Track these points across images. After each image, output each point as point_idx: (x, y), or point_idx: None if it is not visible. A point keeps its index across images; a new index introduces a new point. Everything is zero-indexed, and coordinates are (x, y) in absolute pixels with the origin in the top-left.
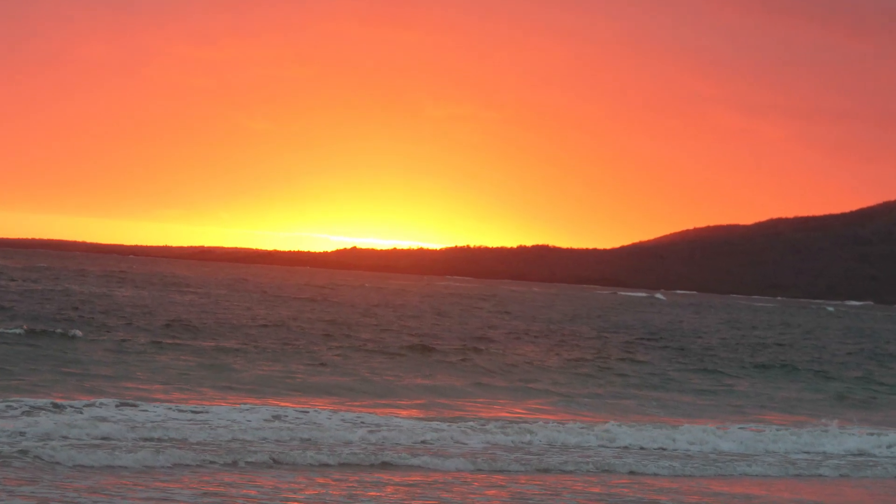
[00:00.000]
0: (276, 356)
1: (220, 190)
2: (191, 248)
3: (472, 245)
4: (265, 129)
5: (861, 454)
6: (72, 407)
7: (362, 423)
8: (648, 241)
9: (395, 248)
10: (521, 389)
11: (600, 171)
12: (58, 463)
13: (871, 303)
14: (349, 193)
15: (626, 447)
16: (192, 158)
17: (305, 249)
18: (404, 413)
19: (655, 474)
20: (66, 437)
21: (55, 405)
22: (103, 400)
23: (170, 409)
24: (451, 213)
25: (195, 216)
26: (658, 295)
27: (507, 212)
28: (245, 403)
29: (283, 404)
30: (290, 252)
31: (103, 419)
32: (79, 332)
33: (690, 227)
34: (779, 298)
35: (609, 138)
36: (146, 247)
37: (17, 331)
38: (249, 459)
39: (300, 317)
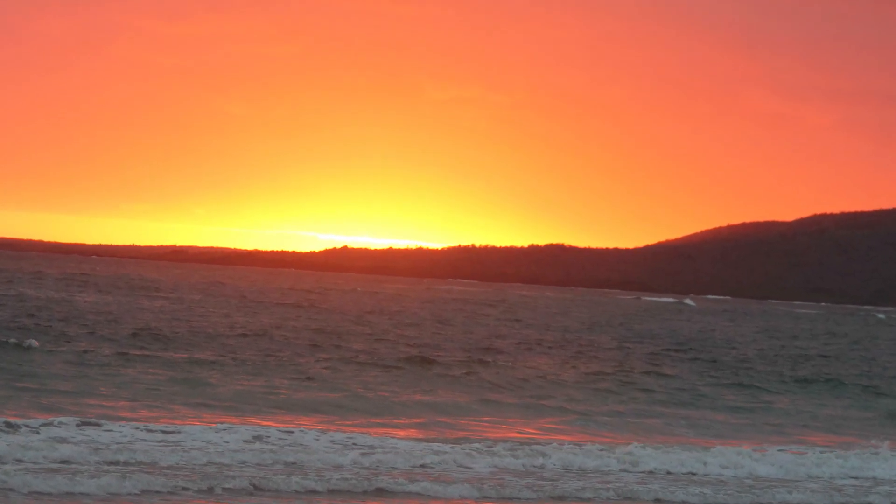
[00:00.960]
0: (257, 369)
1: (195, 182)
2: (161, 247)
3: (477, 244)
4: (244, 114)
5: None
6: (27, 426)
7: (354, 444)
8: (676, 240)
9: (390, 248)
10: (532, 407)
11: (622, 162)
12: (11, 490)
13: None
14: (339, 186)
15: (650, 472)
16: (162, 147)
17: (290, 249)
18: (401, 433)
19: (684, 502)
20: (20, 461)
21: (8, 424)
22: (62, 419)
23: (137, 428)
24: (455, 209)
25: (166, 212)
26: (687, 300)
27: (517, 207)
28: (222, 422)
29: (264, 423)
30: (272, 252)
31: (62, 440)
32: (35, 343)
33: (723, 223)
34: (823, 304)
35: (632, 124)
36: (111, 246)
37: None
38: (227, 486)
39: (284, 325)
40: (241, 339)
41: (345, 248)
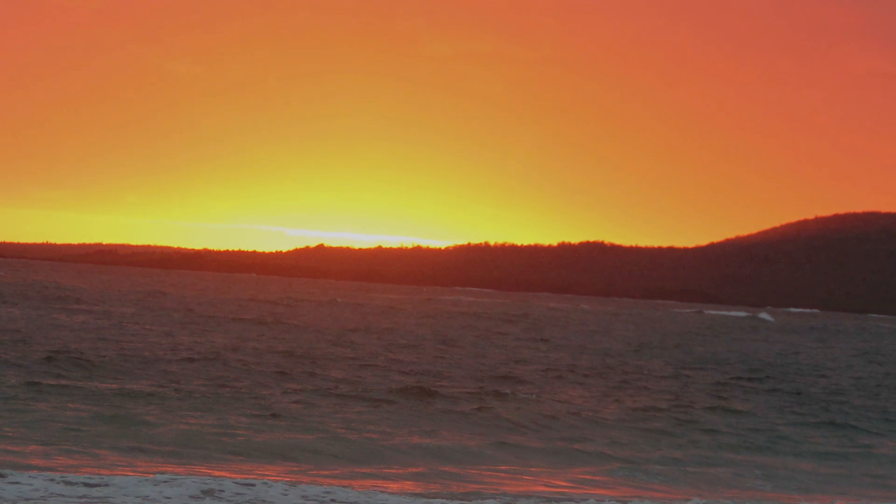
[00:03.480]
0: (208, 403)
1: (127, 162)
2: (84, 246)
3: (492, 242)
4: (193, 76)
5: None
6: None
7: (333, 501)
8: (749, 238)
9: (380, 247)
10: (563, 452)
11: (679, 136)
12: None
13: None
14: (314, 169)
15: None
16: (85, 117)
17: (250, 248)
18: (394, 486)
19: None
20: None
21: None
22: None
23: (52, 480)
24: (462, 198)
25: (90, 200)
26: (763, 315)
27: (543, 196)
28: (162, 472)
29: (217, 473)
30: (227, 252)
31: None
32: None
33: (810, 216)
34: None
35: (692, 88)
36: (17, 244)
37: None
38: None
39: (242, 346)
40: (186, 365)
41: (321, 246)
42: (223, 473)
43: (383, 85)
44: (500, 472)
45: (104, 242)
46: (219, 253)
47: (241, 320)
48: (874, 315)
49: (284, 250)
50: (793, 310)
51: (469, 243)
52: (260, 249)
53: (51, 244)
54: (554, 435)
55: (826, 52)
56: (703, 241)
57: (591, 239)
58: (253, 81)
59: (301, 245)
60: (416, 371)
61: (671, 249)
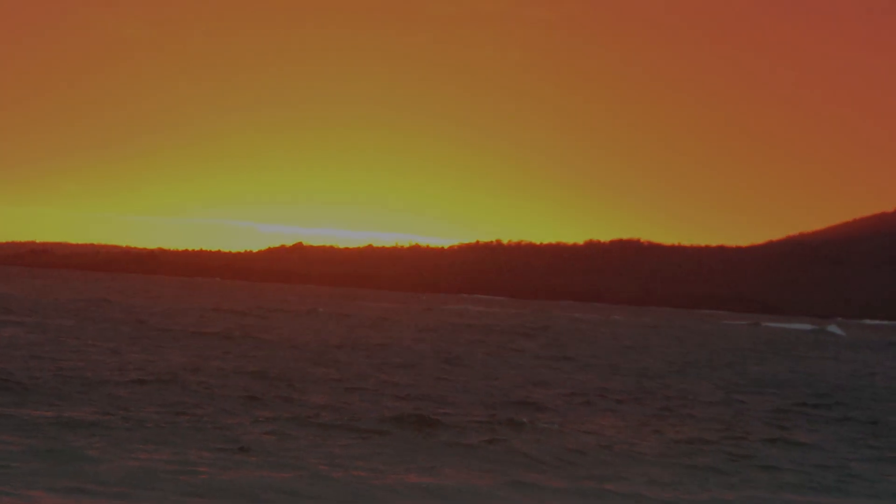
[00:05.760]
0: (163, 435)
1: (66, 144)
2: (12, 244)
3: (505, 241)
4: (147, 41)
5: None
6: None
7: None
8: (815, 235)
9: (370, 246)
10: (591, 494)
11: (732, 112)
12: None
13: None
14: (291, 153)
15: None
16: (15, 88)
17: (214, 248)
18: None
19: None
20: None
21: None
22: None
23: None
24: (469, 188)
25: (19, 189)
26: (832, 328)
27: (566, 186)
28: None
29: None
30: (186, 252)
31: None
32: None
33: (888, 208)
34: None
35: (748, 53)
36: None
37: None
38: None
39: (204, 366)
40: (136, 388)
41: (299, 245)
42: None
43: (376, 52)
44: None
45: (37, 240)
46: (176, 253)
47: (203, 334)
48: None
49: (255, 250)
50: (867, 322)
51: (477, 242)
52: (226, 249)
53: None
54: (580, 473)
55: None
56: (760, 238)
57: (625, 237)
58: (219, 48)
59: (275, 244)
60: (414, 396)
61: (721, 249)
